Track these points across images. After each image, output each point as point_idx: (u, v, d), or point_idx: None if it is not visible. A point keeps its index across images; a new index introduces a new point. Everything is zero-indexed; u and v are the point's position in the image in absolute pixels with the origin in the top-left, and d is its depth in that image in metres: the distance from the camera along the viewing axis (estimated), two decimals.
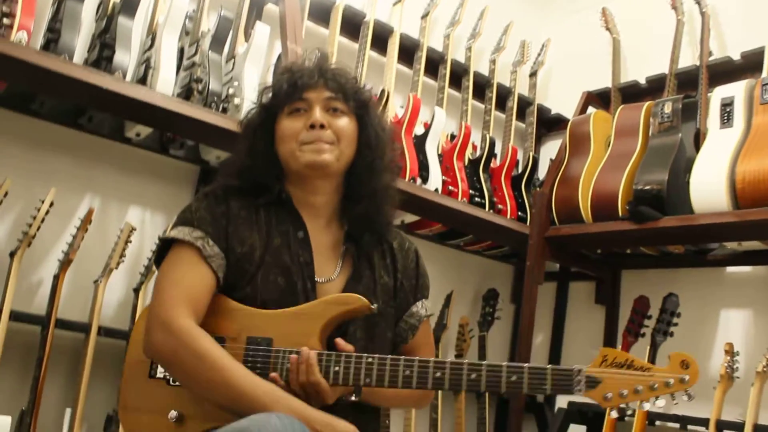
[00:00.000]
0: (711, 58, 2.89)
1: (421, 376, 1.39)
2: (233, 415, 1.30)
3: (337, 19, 2.88)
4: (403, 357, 1.41)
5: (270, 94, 1.62)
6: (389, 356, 1.41)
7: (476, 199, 2.98)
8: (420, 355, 1.65)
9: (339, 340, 1.44)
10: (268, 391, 1.34)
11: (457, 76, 3.29)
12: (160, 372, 1.48)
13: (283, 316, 1.46)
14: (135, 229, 2.34)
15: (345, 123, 1.57)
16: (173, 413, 1.43)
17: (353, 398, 1.45)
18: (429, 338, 1.72)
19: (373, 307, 1.46)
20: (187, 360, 1.37)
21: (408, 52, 3.14)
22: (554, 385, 1.35)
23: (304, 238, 1.55)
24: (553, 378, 1.35)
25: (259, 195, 1.57)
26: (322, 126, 1.53)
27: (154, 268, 2.32)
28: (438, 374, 1.39)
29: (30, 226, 2.14)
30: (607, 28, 3.34)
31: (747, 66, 2.82)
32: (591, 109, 3.26)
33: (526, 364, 1.37)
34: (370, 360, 1.41)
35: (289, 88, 1.57)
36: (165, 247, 1.53)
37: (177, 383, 1.46)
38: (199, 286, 1.45)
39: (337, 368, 1.40)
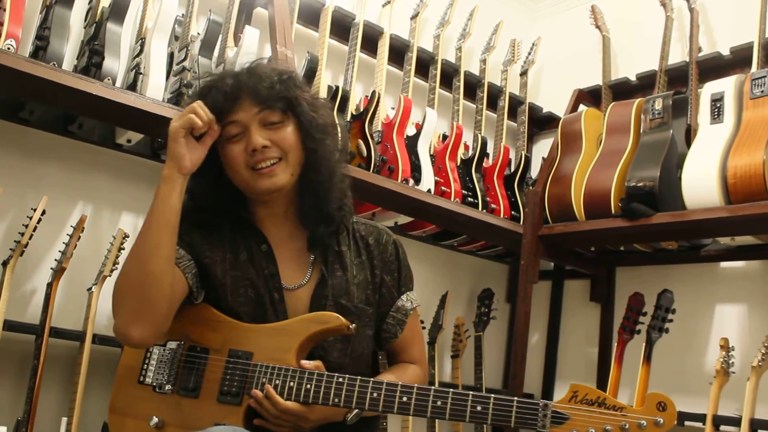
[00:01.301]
0: (700, 54, 2.90)
1: (387, 400, 1.39)
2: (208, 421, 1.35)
3: (326, 22, 2.88)
4: (371, 380, 1.41)
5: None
6: (359, 377, 1.41)
7: (469, 199, 2.98)
8: (411, 349, 1.68)
9: (303, 362, 1.45)
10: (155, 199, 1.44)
11: (448, 76, 3.29)
12: (149, 379, 1.51)
13: (264, 331, 1.49)
14: (128, 236, 2.33)
15: (285, 134, 1.52)
16: (155, 419, 1.46)
17: (354, 413, 1.49)
18: (418, 330, 1.72)
19: (351, 327, 1.47)
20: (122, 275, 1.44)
21: (398, 53, 3.14)
22: (518, 419, 1.31)
23: (268, 251, 1.56)
24: (518, 411, 1.31)
25: (219, 216, 1.57)
26: (264, 146, 1.50)
27: None
28: (404, 399, 1.38)
29: (22, 234, 2.13)
30: (597, 26, 3.35)
31: (736, 61, 2.83)
32: (582, 107, 3.27)
33: (492, 395, 1.34)
34: (340, 380, 1.41)
35: (217, 116, 1.50)
36: None
37: (162, 390, 1.49)
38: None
39: (309, 386, 1.42)
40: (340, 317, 1.46)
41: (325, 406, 1.41)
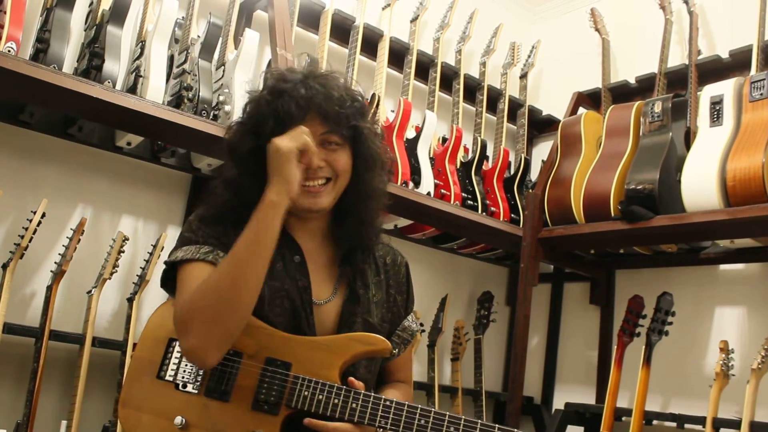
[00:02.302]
0: (700, 57, 2.90)
1: (435, 428, 1.37)
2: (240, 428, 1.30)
3: (326, 24, 2.88)
4: (419, 406, 1.40)
5: (257, 117, 1.53)
6: (407, 402, 1.40)
7: (469, 201, 2.98)
8: (404, 369, 1.69)
9: (352, 379, 1.44)
10: (251, 224, 1.39)
11: (448, 79, 3.30)
12: (170, 375, 1.47)
13: (305, 343, 1.46)
14: (128, 239, 2.33)
15: (341, 157, 1.52)
16: (179, 419, 1.42)
17: None
18: (411, 354, 1.75)
19: (394, 352, 1.49)
20: (204, 292, 1.37)
21: (398, 56, 3.15)
22: None
23: (301, 262, 1.54)
24: None
25: None
26: (319, 167, 1.49)
27: (148, 277, 2.32)
28: (451, 429, 1.37)
29: (22, 237, 2.13)
30: (597, 29, 3.35)
31: (735, 64, 2.84)
32: (582, 110, 3.27)
33: None
34: (387, 403, 1.40)
35: (283, 124, 1.48)
36: (170, 270, 1.50)
37: (187, 389, 1.45)
38: None
39: (354, 405, 1.40)
40: (386, 341, 1.47)
41: (371, 426, 1.41)
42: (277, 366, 1.44)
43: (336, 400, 1.40)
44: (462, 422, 1.37)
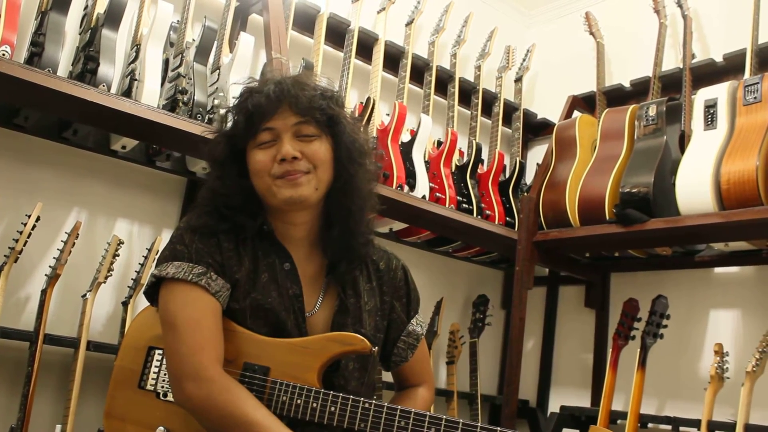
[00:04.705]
0: (694, 61, 2.91)
1: (415, 429, 1.35)
2: None
3: (321, 28, 2.89)
4: (399, 407, 1.37)
5: (233, 123, 1.53)
6: (386, 404, 1.38)
7: (464, 205, 2.98)
8: (420, 371, 1.67)
9: None
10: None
11: (443, 82, 3.30)
12: (150, 384, 1.47)
13: (283, 347, 1.44)
14: (123, 242, 2.32)
15: (318, 147, 1.48)
16: (161, 429, 1.42)
17: None
18: (425, 352, 1.72)
19: (374, 350, 1.44)
20: (222, 408, 1.34)
21: (393, 59, 3.15)
22: None
23: (291, 270, 1.51)
24: None
25: (241, 229, 1.50)
26: (294, 158, 1.45)
27: (142, 281, 2.31)
28: (432, 430, 1.34)
29: (16, 241, 2.13)
30: (591, 33, 3.36)
31: (729, 68, 2.84)
32: (576, 113, 3.28)
33: None
34: (366, 405, 1.37)
35: (254, 120, 1.47)
36: (158, 282, 1.47)
37: (168, 398, 1.45)
38: (217, 326, 1.42)
39: (333, 408, 1.38)
40: (365, 339, 1.43)
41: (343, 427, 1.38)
42: (254, 371, 1.42)
43: (314, 404, 1.38)
44: (443, 422, 1.34)
